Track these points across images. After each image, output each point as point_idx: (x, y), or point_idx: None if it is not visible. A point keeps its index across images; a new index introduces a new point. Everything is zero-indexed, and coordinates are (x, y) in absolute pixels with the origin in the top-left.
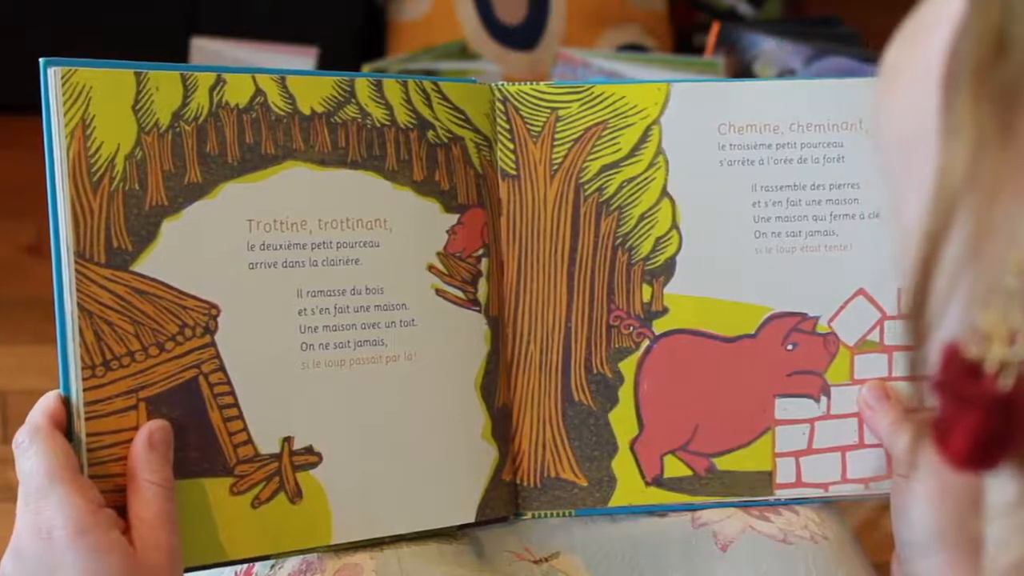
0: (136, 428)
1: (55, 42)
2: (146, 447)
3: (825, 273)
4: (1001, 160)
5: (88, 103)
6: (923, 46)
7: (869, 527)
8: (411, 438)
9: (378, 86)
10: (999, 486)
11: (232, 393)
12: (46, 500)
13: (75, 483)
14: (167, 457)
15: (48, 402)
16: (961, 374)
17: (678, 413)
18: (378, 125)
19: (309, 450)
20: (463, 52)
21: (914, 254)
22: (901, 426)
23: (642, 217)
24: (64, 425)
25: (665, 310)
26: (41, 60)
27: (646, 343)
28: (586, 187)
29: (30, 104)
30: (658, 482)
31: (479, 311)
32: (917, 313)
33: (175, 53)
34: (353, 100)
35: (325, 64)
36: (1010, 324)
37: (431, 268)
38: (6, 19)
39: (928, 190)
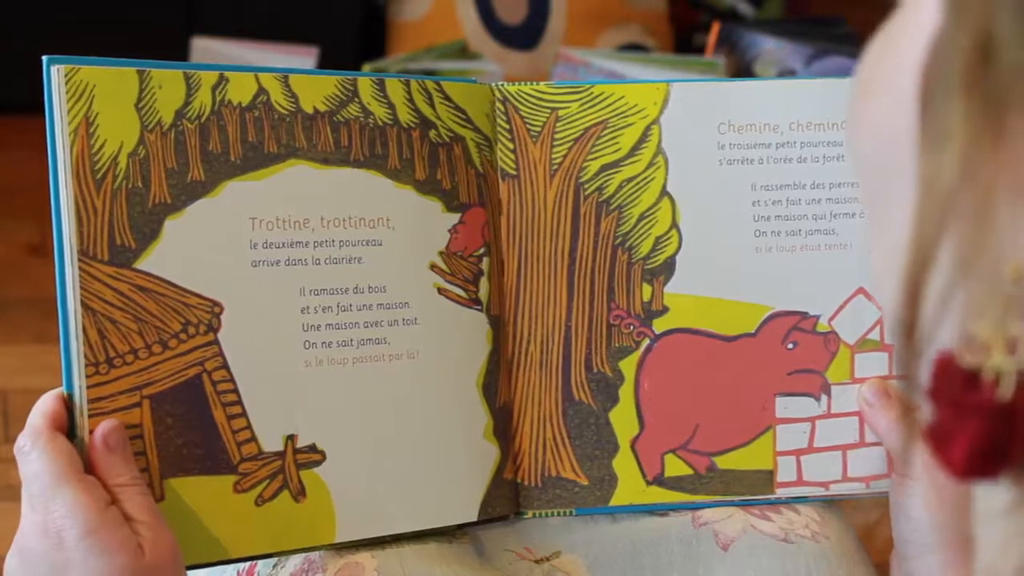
0: (140, 425)
1: (55, 42)
2: (105, 452)
3: (825, 272)
4: (994, 163)
5: (91, 101)
6: (893, 59)
7: (869, 526)
8: (413, 437)
9: (381, 85)
10: (992, 492)
11: (235, 391)
12: (54, 502)
13: (81, 483)
14: (128, 455)
15: (46, 404)
16: (958, 383)
17: (679, 412)
18: (380, 124)
19: (312, 448)
20: (463, 52)
21: (903, 268)
22: (901, 424)
23: (642, 216)
24: (64, 426)
25: (665, 309)
26: (44, 58)
27: (646, 342)
28: (586, 187)
29: (31, 103)
30: (659, 481)
31: (480, 310)
32: (909, 327)
33: (175, 53)
34: (356, 99)
35: (325, 64)
36: (1008, 332)
37: (433, 267)
38: (5, 19)
39: (912, 203)
